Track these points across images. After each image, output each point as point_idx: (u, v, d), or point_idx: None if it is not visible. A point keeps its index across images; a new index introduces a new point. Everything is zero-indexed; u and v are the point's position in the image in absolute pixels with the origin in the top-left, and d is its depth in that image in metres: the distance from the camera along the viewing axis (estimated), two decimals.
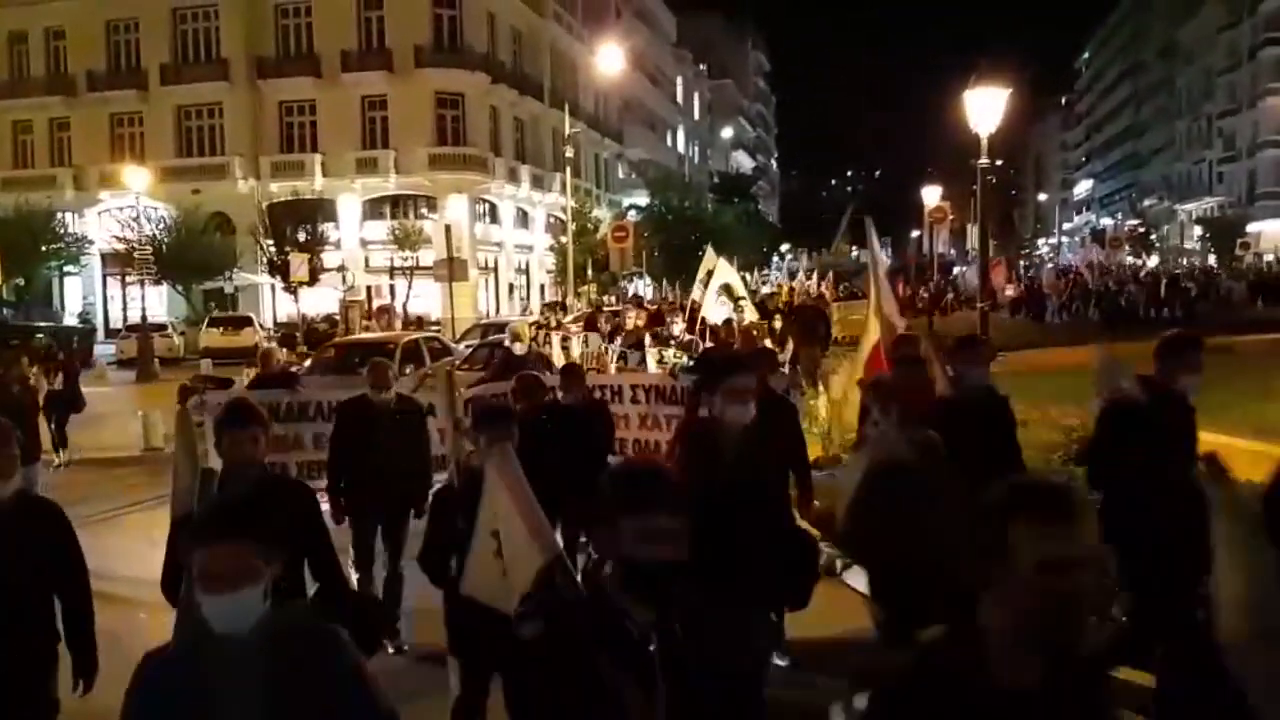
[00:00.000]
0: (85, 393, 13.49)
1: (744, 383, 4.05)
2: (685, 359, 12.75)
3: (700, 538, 2.37)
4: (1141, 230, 76.89)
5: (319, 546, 4.12)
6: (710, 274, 16.19)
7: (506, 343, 11.44)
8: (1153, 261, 66.20)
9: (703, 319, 15.41)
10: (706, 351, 11.74)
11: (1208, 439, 5.07)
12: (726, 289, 16.25)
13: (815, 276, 40.16)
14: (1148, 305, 34.80)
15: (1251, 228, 59.30)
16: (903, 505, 4.08)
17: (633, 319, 16.44)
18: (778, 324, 20.09)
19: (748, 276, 54.33)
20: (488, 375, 10.73)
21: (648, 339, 14.65)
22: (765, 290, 33.50)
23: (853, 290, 33.54)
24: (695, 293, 16.67)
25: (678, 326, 16.78)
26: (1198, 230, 68.80)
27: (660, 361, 13.16)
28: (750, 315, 16.47)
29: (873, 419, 4.61)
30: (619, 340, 15.27)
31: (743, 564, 3.60)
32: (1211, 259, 58.89)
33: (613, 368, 13.26)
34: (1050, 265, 63.55)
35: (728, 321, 14.57)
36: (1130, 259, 61.38)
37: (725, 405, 4.00)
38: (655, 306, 25.24)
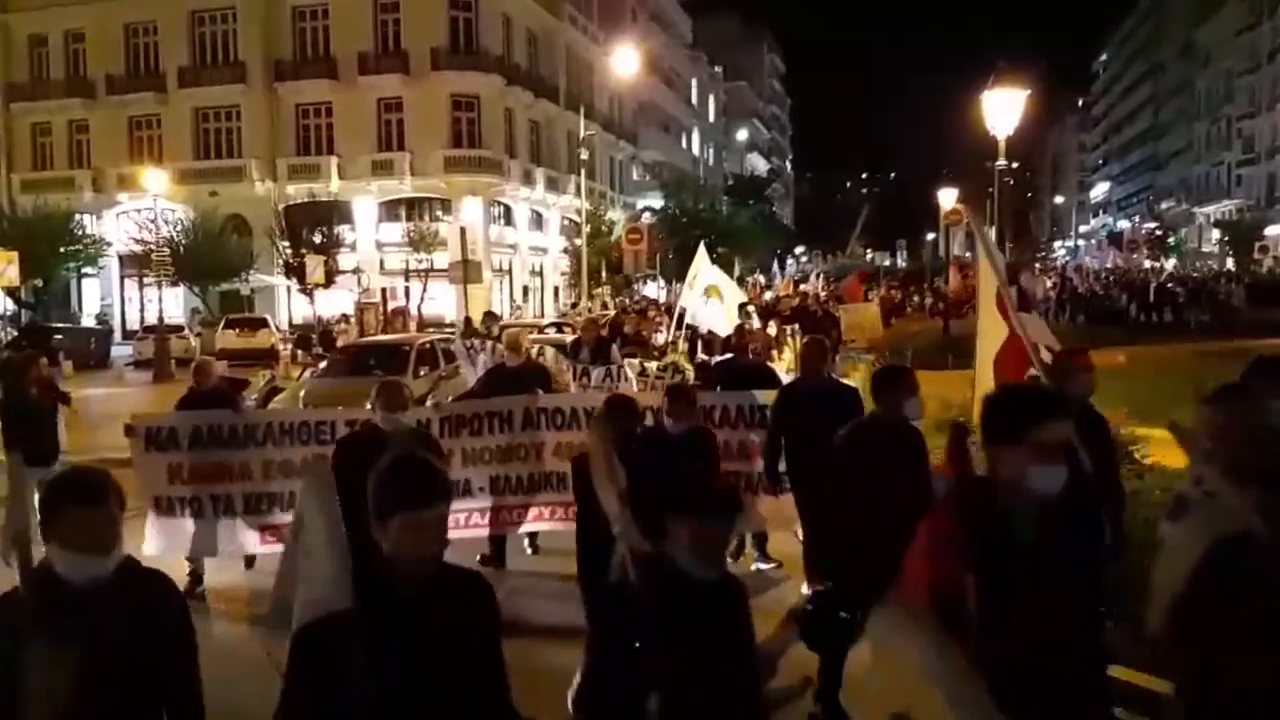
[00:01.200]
0: (103, 394, 13.53)
1: (1060, 432, 2.72)
2: (672, 372, 11.26)
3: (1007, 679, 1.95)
4: (1159, 233, 76.37)
5: (493, 661, 2.73)
6: (696, 276, 14.67)
7: (501, 353, 9.70)
8: (1170, 265, 65.72)
9: (689, 326, 14.34)
10: (726, 361, 10.51)
11: None
12: (714, 290, 14.88)
13: (820, 279, 40.02)
14: (1137, 310, 34.33)
15: (1270, 231, 58.72)
16: (1261, 595, 2.65)
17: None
18: (772, 329, 19.19)
19: (761, 278, 54.31)
20: (473, 389, 9.20)
21: (614, 349, 12.56)
22: (769, 295, 33.32)
23: (836, 294, 33.48)
24: (684, 297, 15.10)
25: (661, 335, 15.07)
26: (1216, 233, 68.30)
27: (642, 374, 11.60)
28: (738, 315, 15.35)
29: (1194, 476, 3.25)
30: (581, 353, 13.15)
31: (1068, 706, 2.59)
32: (1230, 262, 58.37)
33: (573, 385, 10.89)
34: (1040, 270, 62.91)
35: (739, 328, 13.37)
36: (1147, 262, 60.85)
37: (1028, 464, 2.65)
38: (613, 314, 22.05)
